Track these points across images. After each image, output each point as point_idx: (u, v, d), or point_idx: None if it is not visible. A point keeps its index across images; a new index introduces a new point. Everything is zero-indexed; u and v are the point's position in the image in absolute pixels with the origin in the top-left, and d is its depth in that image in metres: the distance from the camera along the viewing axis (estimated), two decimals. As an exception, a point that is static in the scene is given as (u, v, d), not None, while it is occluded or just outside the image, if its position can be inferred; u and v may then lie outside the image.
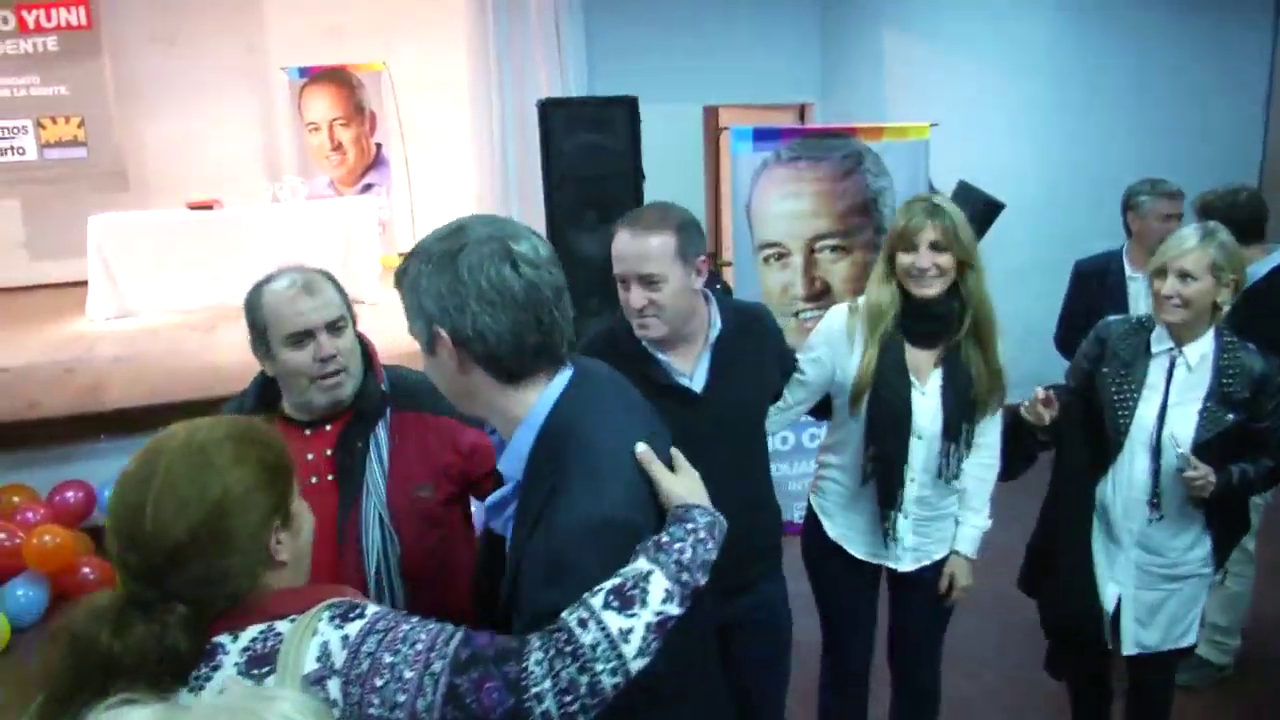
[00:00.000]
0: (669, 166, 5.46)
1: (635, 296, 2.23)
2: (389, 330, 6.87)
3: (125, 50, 8.45)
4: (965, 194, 5.09)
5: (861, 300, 2.63)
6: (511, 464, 1.46)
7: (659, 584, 1.31)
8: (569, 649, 1.25)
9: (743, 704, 2.52)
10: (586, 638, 1.25)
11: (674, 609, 1.31)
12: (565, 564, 1.32)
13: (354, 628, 1.25)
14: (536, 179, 5.51)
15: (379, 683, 1.22)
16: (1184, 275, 2.50)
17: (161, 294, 7.29)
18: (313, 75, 8.62)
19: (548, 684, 1.23)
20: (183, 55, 8.64)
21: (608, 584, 1.29)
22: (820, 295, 4.69)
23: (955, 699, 3.17)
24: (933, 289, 2.47)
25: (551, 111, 4.71)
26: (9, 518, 4.55)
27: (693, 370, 2.34)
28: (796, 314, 4.69)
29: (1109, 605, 2.69)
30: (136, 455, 1.33)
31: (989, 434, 2.63)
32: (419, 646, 1.24)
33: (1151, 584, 2.66)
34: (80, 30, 8.13)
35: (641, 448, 1.42)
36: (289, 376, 1.92)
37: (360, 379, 1.93)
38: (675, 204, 2.32)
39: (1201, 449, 2.50)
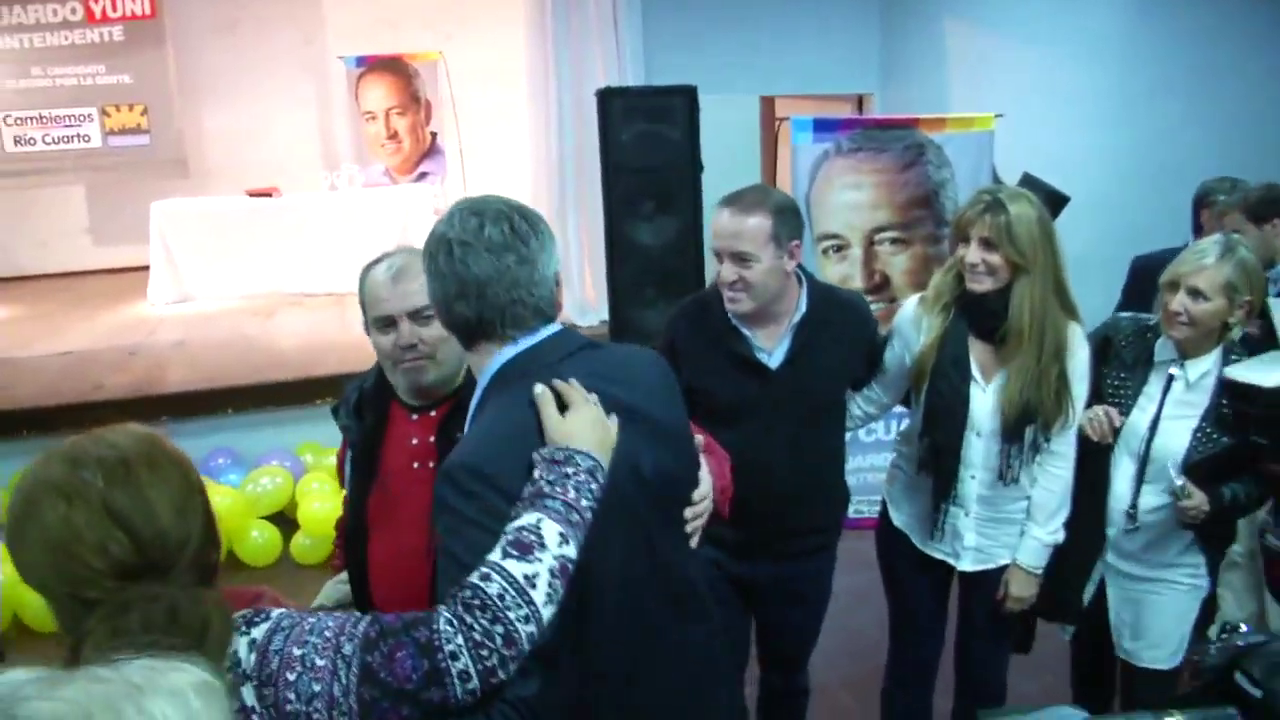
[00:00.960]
0: (726, 157, 5.41)
1: (727, 271, 2.33)
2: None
3: (187, 40, 8.59)
4: (1029, 186, 5.00)
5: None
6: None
7: (551, 529, 1.32)
8: (476, 602, 1.25)
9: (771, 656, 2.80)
10: (492, 589, 1.26)
11: (571, 552, 1.33)
12: (438, 506, 1.41)
13: (260, 630, 1.23)
14: (593, 168, 5.53)
15: (291, 676, 1.20)
16: (1195, 293, 2.41)
17: (220, 279, 7.40)
18: (369, 64, 8.69)
19: (460, 639, 1.23)
20: (242, 45, 8.77)
21: (503, 539, 1.32)
22: (880, 288, 4.64)
23: (1018, 697, 3.12)
24: (982, 285, 2.41)
25: (610, 100, 4.69)
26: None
27: (773, 348, 2.44)
28: (855, 306, 4.64)
29: (1087, 594, 2.69)
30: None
31: (1061, 444, 2.52)
32: (327, 634, 1.23)
33: (1128, 588, 2.63)
34: (144, 20, 8.28)
35: (539, 388, 1.46)
36: (379, 358, 1.96)
37: (456, 366, 1.92)
38: (777, 189, 2.39)
39: (1191, 468, 2.44)
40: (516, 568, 1.28)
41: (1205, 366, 2.47)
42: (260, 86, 8.79)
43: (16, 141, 8.30)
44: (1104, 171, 5.86)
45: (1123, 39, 5.87)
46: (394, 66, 8.75)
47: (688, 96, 4.74)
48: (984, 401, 2.51)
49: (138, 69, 8.35)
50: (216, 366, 5.57)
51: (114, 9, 8.23)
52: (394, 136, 8.83)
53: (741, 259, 2.30)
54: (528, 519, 1.33)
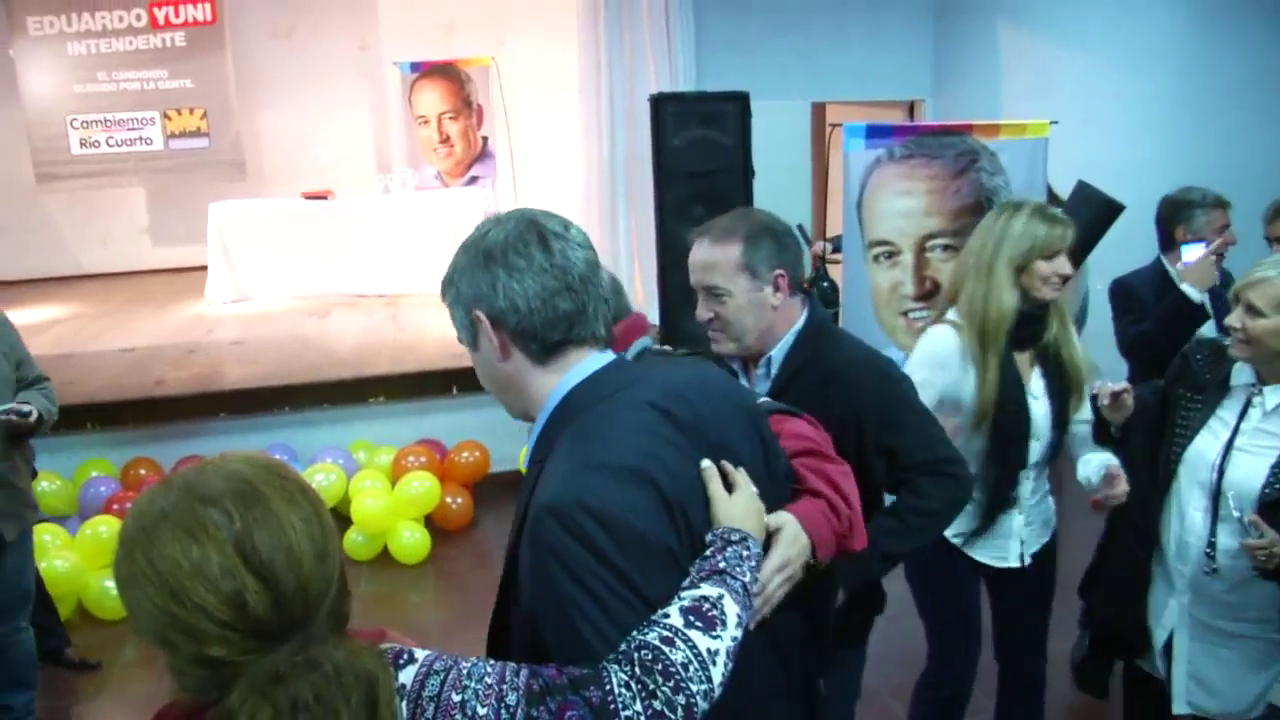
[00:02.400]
0: (777, 163, 5.45)
1: (700, 308, 2.14)
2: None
3: (246, 45, 8.77)
4: (1084, 195, 4.96)
5: (957, 315, 2.60)
6: (528, 459, 1.43)
7: (732, 609, 1.23)
8: (659, 667, 1.15)
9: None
10: (677, 655, 1.16)
11: (740, 635, 1.24)
12: (538, 548, 1.24)
13: (408, 674, 1.14)
14: (644, 172, 5.58)
15: None
16: (1251, 309, 2.24)
17: (276, 280, 7.55)
18: (423, 70, 8.82)
19: (639, 706, 1.13)
20: (299, 50, 8.95)
21: (678, 604, 1.21)
22: (930, 294, 4.62)
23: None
24: (1058, 293, 2.54)
25: (663, 106, 4.74)
26: (136, 488, 4.77)
27: (753, 388, 2.18)
28: (905, 313, 4.63)
29: (1158, 638, 2.49)
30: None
31: (1084, 409, 2.65)
32: (488, 680, 1.14)
33: (1206, 637, 2.40)
34: (205, 25, 8.46)
35: (706, 463, 1.35)
36: None
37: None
38: (761, 211, 2.20)
39: (1268, 506, 2.21)
40: (701, 640, 1.18)
41: None
42: (316, 91, 8.96)
43: (82, 144, 8.53)
44: (1157, 179, 5.77)
45: (1179, 46, 5.81)
46: (447, 72, 8.87)
47: (740, 102, 4.77)
48: (1038, 407, 2.59)
49: (198, 73, 8.54)
50: (273, 364, 5.69)
51: (176, 15, 8.43)
52: (446, 141, 8.95)
53: (713, 293, 2.09)
54: (709, 590, 1.23)
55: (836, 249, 5.62)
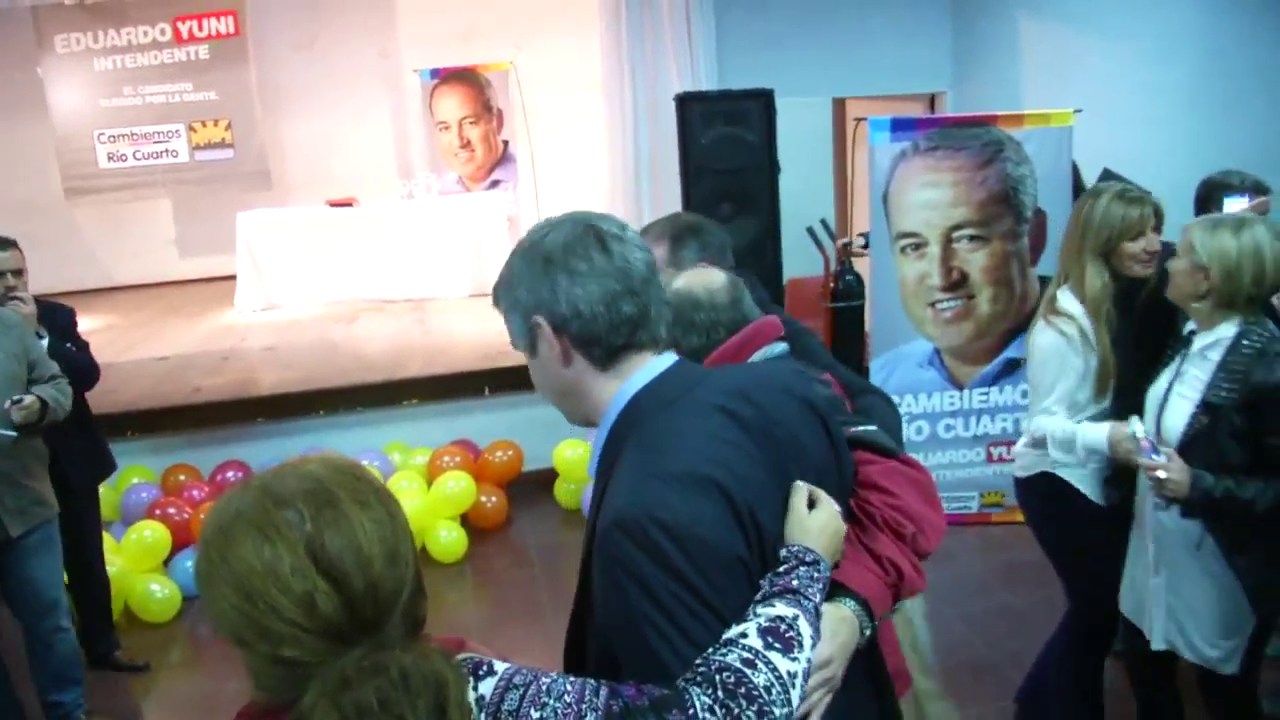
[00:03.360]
0: (799, 159, 5.48)
1: None
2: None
3: (269, 56, 8.89)
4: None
5: (1055, 318, 2.75)
6: (593, 463, 1.39)
7: (807, 630, 1.21)
8: (741, 690, 1.13)
9: None
10: (759, 679, 1.14)
11: (813, 659, 1.22)
12: (607, 563, 1.22)
13: (487, 686, 1.12)
14: (669, 172, 5.62)
15: None
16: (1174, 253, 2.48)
17: (304, 287, 7.65)
18: (443, 76, 8.90)
19: None
20: (321, 61, 9.06)
21: (754, 623, 1.19)
22: (957, 285, 4.65)
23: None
24: (1151, 268, 2.70)
25: (689, 105, 4.79)
26: (177, 494, 4.85)
27: None
28: (933, 304, 4.66)
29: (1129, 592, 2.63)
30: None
31: None
32: (568, 699, 1.11)
33: (1178, 573, 2.47)
34: (229, 38, 8.59)
35: (798, 483, 1.34)
36: None
37: None
38: (681, 215, 2.14)
39: (1186, 449, 2.34)
40: (781, 662, 1.16)
41: (1212, 339, 2.39)
42: (338, 100, 9.07)
43: (110, 158, 8.67)
44: (1179, 168, 5.77)
45: (1199, 34, 5.80)
46: (467, 77, 8.94)
47: (765, 99, 4.82)
48: None
49: (222, 85, 8.67)
50: (306, 369, 5.77)
51: (200, 29, 8.56)
52: (466, 145, 9.01)
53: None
54: (783, 610, 1.21)
55: (867, 245, 5.65)
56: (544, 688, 1.12)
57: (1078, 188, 4.51)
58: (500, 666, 1.15)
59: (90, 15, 8.25)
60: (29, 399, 3.13)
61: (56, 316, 3.74)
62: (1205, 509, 2.33)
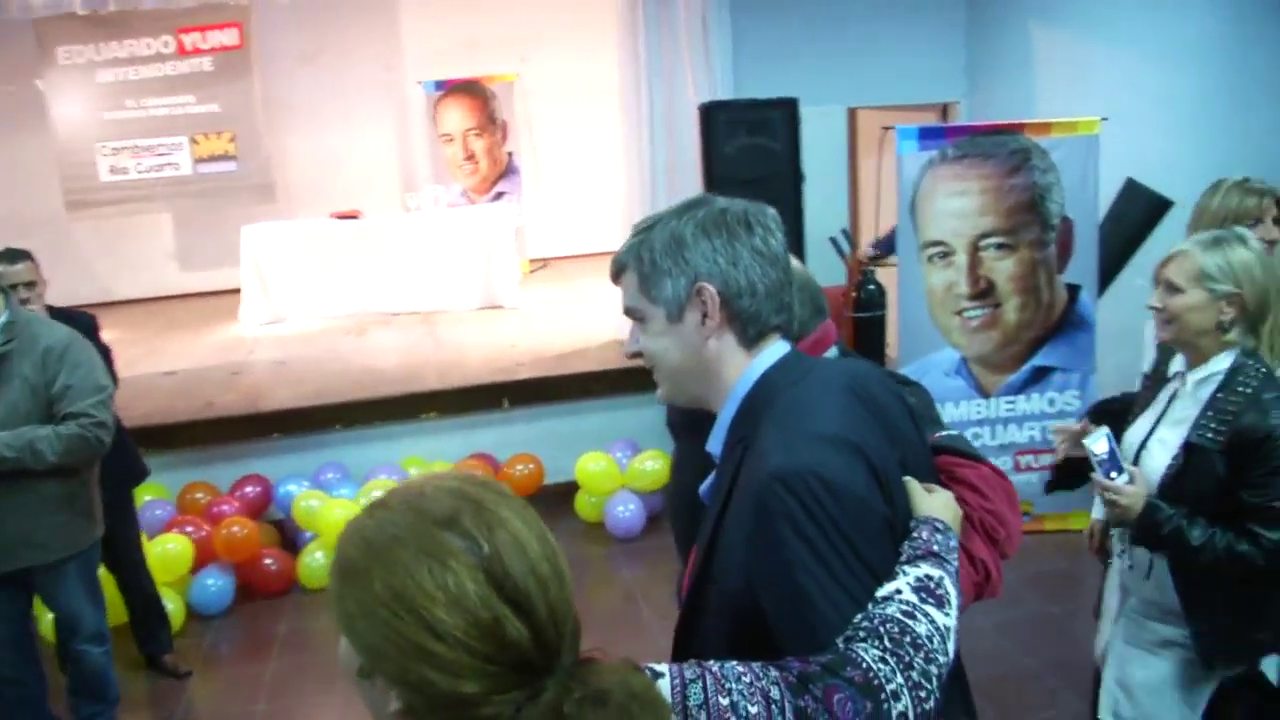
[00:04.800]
0: (816, 169, 5.44)
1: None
2: (532, 333, 7.00)
3: (273, 68, 8.82)
4: (1133, 191, 5.00)
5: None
6: (716, 441, 1.41)
7: (952, 591, 1.24)
8: (907, 640, 1.15)
9: None
10: (921, 629, 1.16)
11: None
12: (766, 515, 1.22)
13: (664, 687, 1.08)
14: (685, 181, 5.58)
15: None
16: (1170, 286, 2.16)
17: (310, 300, 7.57)
18: (448, 88, 8.87)
19: (900, 679, 1.12)
20: (325, 73, 9.00)
21: (905, 580, 1.22)
22: (984, 294, 4.63)
23: None
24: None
25: (713, 114, 4.77)
26: (198, 512, 4.76)
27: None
28: (960, 312, 4.63)
29: (1099, 642, 2.44)
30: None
31: None
32: (745, 679, 1.10)
33: (1137, 639, 2.29)
34: (233, 50, 8.52)
35: (907, 479, 1.38)
36: None
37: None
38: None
39: (1169, 493, 2.13)
40: (937, 615, 1.19)
41: (1205, 373, 2.16)
42: (342, 112, 9.01)
43: (111, 171, 8.57)
44: (1196, 176, 5.76)
45: (1215, 43, 5.80)
46: (471, 89, 8.91)
47: (788, 108, 4.80)
48: None
49: (226, 98, 8.58)
50: (319, 384, 5.70)
51: (204, 41, 8.48)
52: (471, 158, 8.98)
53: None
54: (931, 571, 1.24)
55: (879, 251, 5.63)
56: (720, 673, 1.10)
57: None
58: (659, 666, 1.10)
59: (93, 26, 8.14)
60: None
61: (76, 325, 3.66)
62: (1150, 542, 2.14)
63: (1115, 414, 2.43)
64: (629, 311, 1.44)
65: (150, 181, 8.67)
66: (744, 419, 1.36)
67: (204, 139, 8.64)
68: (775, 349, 1.39)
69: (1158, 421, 2.24)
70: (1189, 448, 2.11)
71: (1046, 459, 4.67)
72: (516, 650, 0.90)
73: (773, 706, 1.08)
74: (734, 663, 1.13)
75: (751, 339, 1.38)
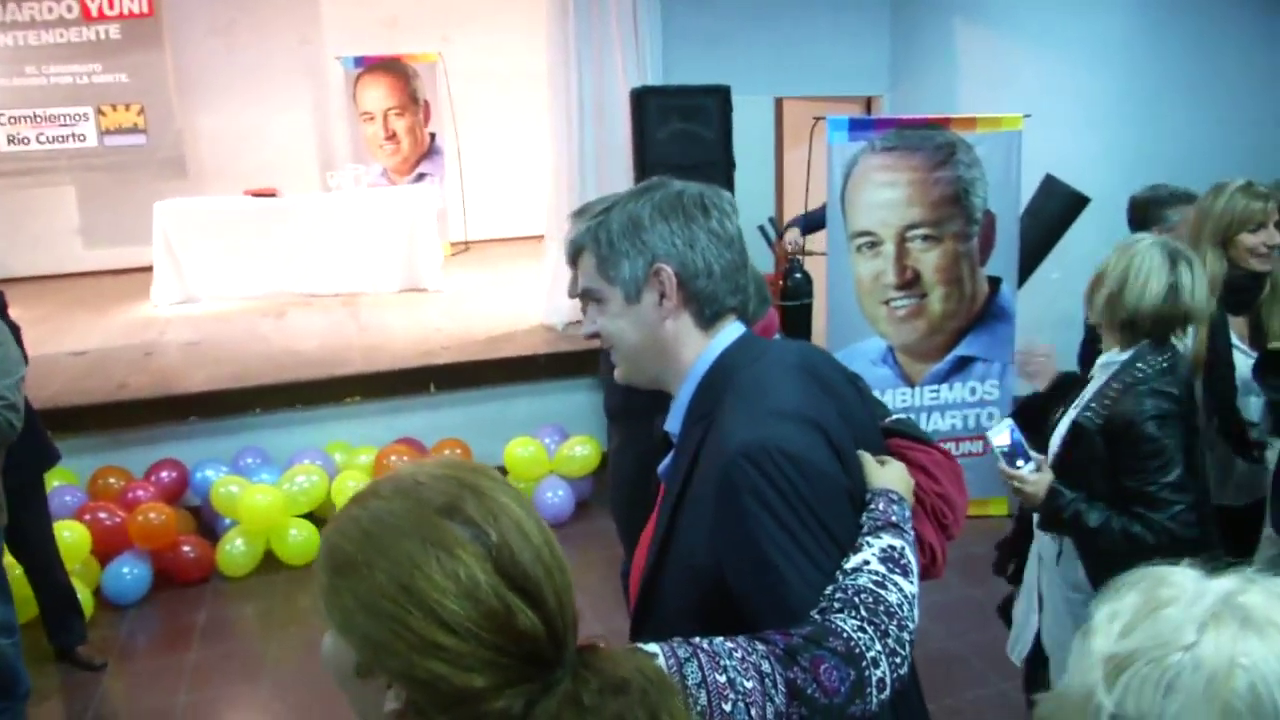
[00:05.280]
0: (743, 156, 5.47)
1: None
2: (456, 317, 6.89)
3: (184, 39, 8.51)
4: (1051, 188, 5.12)
5: None
6: (675, 420, 1.44)
7: (912, 561, 1.28)
8: (881, 609, 1.19)
9: None
10: (892, 597, 1.21)
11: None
12: (732, 491, 1.24)
13: (659, 665, 1.06)
14: (615, 166, 5.57)
15: (728, 707, 1.08)
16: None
17: (225, 280, 7.32)
18: (368, 65, 8.67)
19: (879, 646, 1.16)
20: (239, 45, 8.71)
21: (870, 551, 1.25)
22: (911, 284, 4.73)
23: None
24: (1269, 265, 2.73)
25: (646, 99, 4.75)
26: (112, 497, 4.59)
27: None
28: (887, 301, 4.72)
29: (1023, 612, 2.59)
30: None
31: None
32: (737, 655, 1.11)
33: (1058, 610, 2.42)
34: (142, 18, 8.17)
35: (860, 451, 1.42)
36: None
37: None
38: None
39: (1062, 471, 2.27)
40: (904, 584, 1.23)
41: (1106, 360, 2.33)
42: (257, 87, 8.72)
43: (10, 141, 8.16)
44: (1111, 173, 5.98)
45: (1130, 42, 6.01)
46: (393, 67, 8.73)
47: (721, 95, 4.81)
48: (1248, 365, 2.73)
49: (135, 68, 8.24)
50: (238, 366, 5.53)
51: (111, 7, 8.11)
52: (392, 137, 8.81)
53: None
54: (893, 541, 1.27)
55: (803, 227, 5.61)
56: (713, 650, 1.11)
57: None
58: (651, 646, 1.11)
59: (-10, -13, 7.77)
60: None
61: None
62: (1055, 526, 2.28)
63: (1039, 410, 2.56)
64: (586, 293, 1.45)
65: (53, 153, 8.28)
66: (703, 398, 1.39)
67: (111, 110, 8.29)
68: (731, 329, 1.43)
69: (1071, 406, 2.39)
70: (1074, 426, 2.27)
71: (967, 446, 4.81)
72: (529, 641, 0.88)
73: (766, 680, 1.10)
74: (721, 639, 1.14)
75: (708, 320, 1.41)
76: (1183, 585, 0.73)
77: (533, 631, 0.88)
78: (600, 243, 1.41)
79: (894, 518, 1.31)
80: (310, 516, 4.76)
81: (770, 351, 1.44)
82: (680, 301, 1.39)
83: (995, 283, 4.82)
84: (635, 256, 1.39)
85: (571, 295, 1.52)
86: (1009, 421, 2.30)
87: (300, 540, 4.63)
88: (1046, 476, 2.24)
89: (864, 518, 1.32)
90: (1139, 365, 2.21)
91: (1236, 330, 2.80)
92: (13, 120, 8.15)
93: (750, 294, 1.46)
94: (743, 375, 1.37)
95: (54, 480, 4.65)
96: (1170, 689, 0.67)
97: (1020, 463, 2.25)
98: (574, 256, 1.46)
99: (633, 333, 1.42)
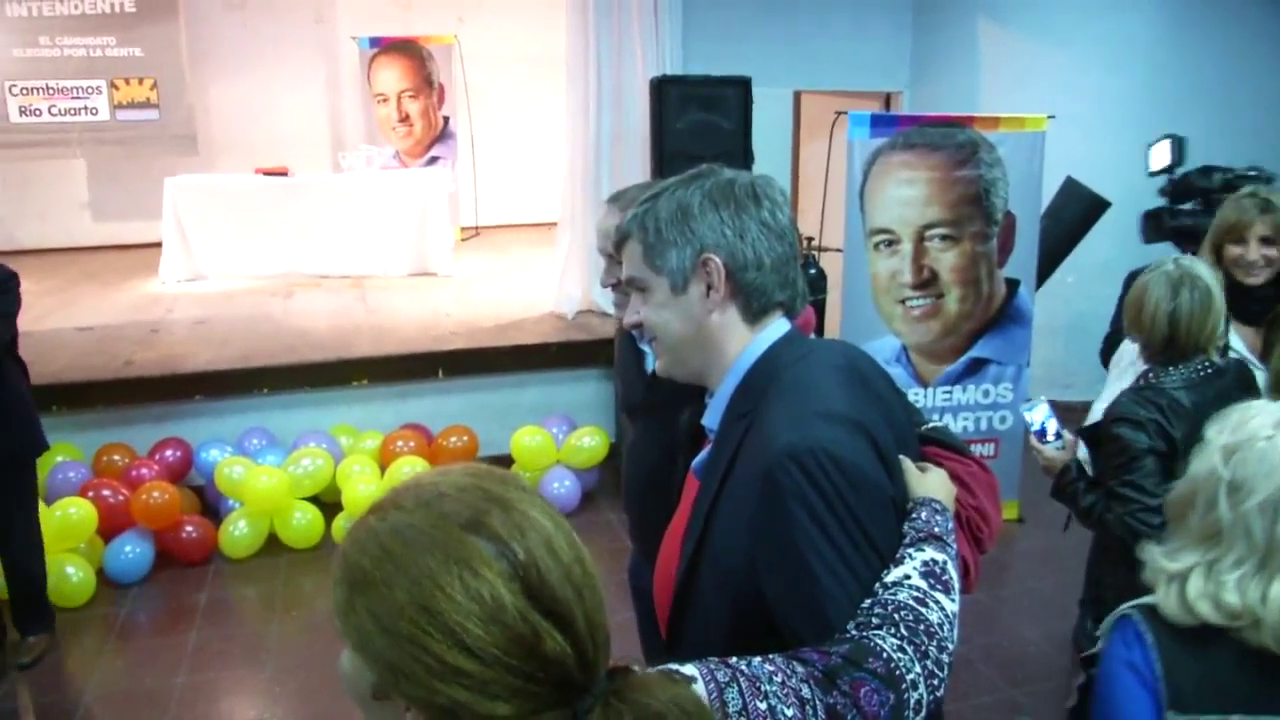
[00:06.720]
0: (761, 149, 5.42)
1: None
2: (466, 303, 6.84)
3: (199, 14, 8.47)
4: (1072, 190, 5.07)
5: None
6: (714, 415, 1.39)
7: (954, 575, 1.23)
8: (921, 628, 1.14)
9: None
10: (933, 616, 1.16)
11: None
12: (775, 493, 1.20)
13: (699, 692, 1.03)
14: (632, 155, 5.52)
15: None
16: None
17: (234, 258, 7.29)
18: (383, 46, 8.61)
19: (918, 668, 1.12)
20: (253, 21, 8.68)
21: (912, 565, 1.21)
22: (927, 284, 4.67)
23: None
24: (1260, 278, 2.67)
25: (666, 88, 4.69)
26: (116, 475, 4.56)
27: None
28: (903, 301, 4.67)
29: None
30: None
31: None
32: (777, 679, 1.07)
33: None
34: (158, -9, 8.12)
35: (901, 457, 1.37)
36: None
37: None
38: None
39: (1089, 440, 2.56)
40: (945, 602, 1.19)
41: (1130, 354, 2.65)
42: (271, 64, 8.70)
43: (22, 112, 8.12)
44: (1132, 175, 5.92)
45: (1152, 45, 5.95)
46: (408, 49, 8.67)
47: (742, 87, 4.75)
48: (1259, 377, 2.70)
49: (149, 42, 8.19)
50: (245, 346, 5.49)
51: (126, -21, 8.07)
52: (405, 119, 8.76)
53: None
54: (936, 555, 1.23)
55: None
56: (751, 676, 1.07)
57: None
58: (689, 669, 1.05)
59: (5, -43, 7.71)
60: None
61: None
62: (1060, 497, 2.56)
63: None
64: (630, 281, 1.41)
65: (65, 126, 8.23)
66: (746, 394, 1.34)
67: (124, 84, 8.24)
68: (778, 325, 1.38)
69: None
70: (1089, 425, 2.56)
71: (979, 449, 4.76)
72: (557, 666, 0.82)
73: (806, 707, 1.06)
74: (758, 660, 1.10)
75: (755, 314, 1.37)
76: (1261, 407, 1.36)
77: (560, 656, 0.82)
78: (648, 230, 1.36)
79: (937, 529, 1.27)
80: (315, 500, 4.73)
81: (816, 350, 1.39)
82: (728, 294, 1.34)
83: (1013, 285, 4.76)
84: (683, 245, 1.34)
85: (604, 284, 1.48)
86: (1047, 406, 2.60)
87: (304, 523, 4.60)
88: (1065, 455, 2.53)
89: (906, 527, 1.28)
90: (1148, 374, 2.40)
91: (1248, 341, 2.75)
92: (25, 91, 8.11)
93: (799, 289, 1.40)
94: (788, 374, 1.32)
95: (58, 455, 4.64)
96: (1260, 460, 1.29)
97: (1050, 437, 2.57)
98: (619, 244, 1.42)
99: (677, 324, 1.37)
